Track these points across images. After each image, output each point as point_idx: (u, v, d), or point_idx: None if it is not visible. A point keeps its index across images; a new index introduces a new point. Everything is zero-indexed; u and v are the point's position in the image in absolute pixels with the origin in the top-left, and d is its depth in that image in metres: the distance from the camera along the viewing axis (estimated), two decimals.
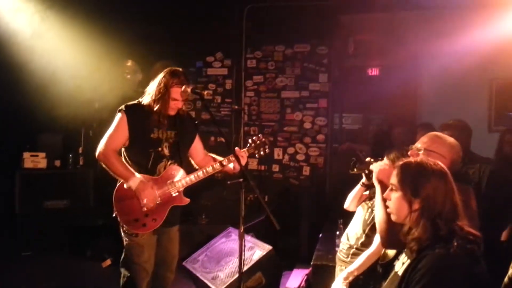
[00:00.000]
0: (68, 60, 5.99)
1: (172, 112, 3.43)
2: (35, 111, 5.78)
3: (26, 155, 5.76)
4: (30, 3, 5.63)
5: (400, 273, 2.08)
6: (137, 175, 3.29)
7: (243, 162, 3.40)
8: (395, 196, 2.13)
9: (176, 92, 3.36)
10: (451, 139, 2.73)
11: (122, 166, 3.30)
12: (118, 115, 3.38)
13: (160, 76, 3.42)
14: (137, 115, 3.37)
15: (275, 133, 6.30)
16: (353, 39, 6.13)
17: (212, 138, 6.41)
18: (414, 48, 5.63)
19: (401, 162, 2.16)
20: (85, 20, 5.80)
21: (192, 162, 3.69)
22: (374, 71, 6.15)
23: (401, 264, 2.12)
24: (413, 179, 2.07)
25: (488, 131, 5.43)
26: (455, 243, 1.94)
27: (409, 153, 2.69)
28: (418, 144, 2.72)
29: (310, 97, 6.22)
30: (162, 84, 3.38)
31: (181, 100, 3.40)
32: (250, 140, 3.65)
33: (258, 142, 3.62)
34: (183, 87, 3.36)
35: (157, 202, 3.33)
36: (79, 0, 5.73)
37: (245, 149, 3.58)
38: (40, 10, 5.71)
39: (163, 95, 3.35)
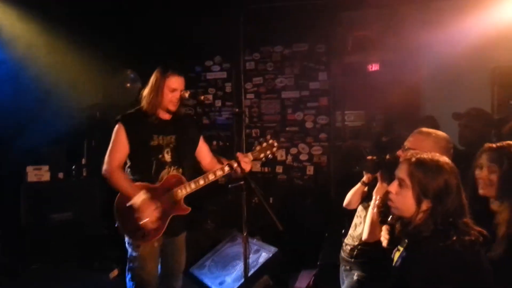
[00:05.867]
0: (67, 71, 5.99)
1: (172, 107, 3.32)
2: (36, 124, 5.79)
3: (29, 168, 5.75)
4: (29, 17, 5.63)
5: (397, 264, 2.08)
6: (141, 192, 3.21)
7: (247, 166, 3.28)
8: (402, 193, 2.07)
9: (173, 81, 3.27)
10: (436, 133, 2.71)
11: (126, 183, 3.26)
12: (116, 127, 3.31)
13: (153, 74, 3.34)
14: (135, 124, 3.30)
15: (277, 134, 6.27)
16: (351, 36, 6.08)
17: (214, 142, 6.39)
18: (413, 41, 5.56)
19: (413, 158, 2.09)
20: (82, 31, 5.80)
21: (201, 165, 3.60)
22: (374, 67, 6.09)
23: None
24: (424, 177, 2.02)
25: None
26: (454, 237, 1.92)
27: (398, 153, 2.67)
28: (405, 143, 2.71)
29: (311, 96, 6.20)
30: (155, 79, 3.29)
31: (179, 90, 3.29)
32: (256, 143, 3.50)
33: (265, 144, 3.45)
34: (182, 77, 3.30)
35: (157, 218, 3.24)
36: (76, 12, 5.71)
37: (250, 153, 3.42)
38: (38, 23, 5.71)
39: (158, 89, 3.26)
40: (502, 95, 5.32)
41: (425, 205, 2.01)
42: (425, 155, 2.09)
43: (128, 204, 3.19)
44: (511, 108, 4.93)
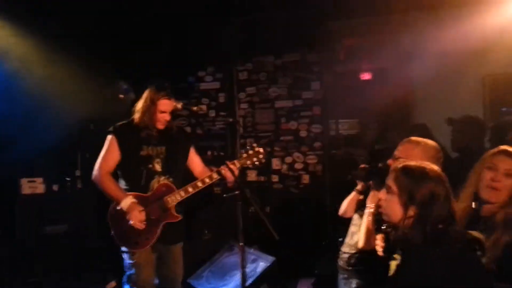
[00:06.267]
0: (60, 83, 5.98)
1: (160, 126, 3.49)
2: (30, 136, 5.77)
3: (23, 181, 5.72)
4: (22, 31, 5.63)
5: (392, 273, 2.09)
6: (129, 197, 3.36)
7: (235, 173, 3.41)
8: (390, 199, 2.11)
9: (163, 104, 3.44)
10: (425, 141, 2.74)
11: (115, 188, 3.41)
12: (108, 137, 3.47)
13: (146, 91, 3.49)
14: (126, 135, 3.47)
15: (271, 143, 6.28)
16: (343, 44, 6.13)
17: (209, 153, 6.39)
18: (404, 49, 5.62)
19: (400, 165, 2.14)
20: (73, 42, 5.80)
21: (194, 175, 3.71)
22: (366, 75, 6.13)
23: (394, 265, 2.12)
24: (410, 184, 2.05)
25: None
26: (445, 245, 1.94)
27: (388, 162, 2.69)
28: (395, 153, 2.74)
29: (304, 105, 6.21)
30: (148, 99, 3.46)
31: (168, 112, 3.47)
32: (243, 151, 3.61)
33: (251, 152, 3.56)
34: (172, 100, 3.46)
35: (144, 223, 3.35)
36: (66, 23, 5.72)
37: (236, 161, 3.52)
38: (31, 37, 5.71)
39: (149, 108, 3.43)
40: (493, 102, 5.37)
41: (411, 211, 2.03)
42: (412, 163, 2.14)
43: (117, 208, 3.36)
44: (503, 115, 5.00)
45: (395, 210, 2.08)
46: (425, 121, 5.18)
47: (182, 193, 3.44)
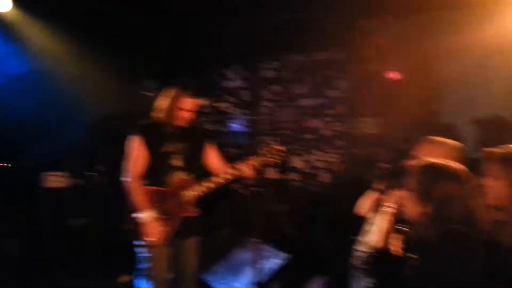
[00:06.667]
0: (86, 80, 6.09)
1: (182, 124, 3.49)
2: (57, 131, 5.88)
3: (48, 175, 5.83)
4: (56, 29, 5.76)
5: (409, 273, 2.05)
6: (150, 212, 3.36)
7: (254, 172, 3.44)
8: (408, 196, 2.11)
9: (185, 102, 3.44)
10: (447, 142, 2.69)
11: (142, 198, 3.39)
12: (133, 138, 3.45)
13: (170, 89, 3.50)
14: (149, 133, 3.46)
15: (293, 141, 6.24)
16: (371, 44, 6.05)
17: (230, 150, 6.38)
18: (433, 48, 5.52)
19: (422, 162, 2.13)
20: (100, 41, 5.88)
21: (213, 172, 3.68)
22: (393, 75, 6.05)
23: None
24: (427, 182, 2.03)
25: None
26: (462, 246, 1.92)
27: (408, 162, 2.64)
28: (416, 153, 2.69)
29: (328, 103, 6.16)
30: (171, 96, 3.47)
31: (190, 110, 3.47)
32: (262, 148, 3.59)
33: (271, 149, 3.55)
34: (195, 99, 3.46)
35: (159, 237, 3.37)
36: (92, 23, 5.82)
37: (255, 158, 3.53)
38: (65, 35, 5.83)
39: (172, 106, 3.43)
40: None
41: (427, 209, 2.01)
42: (434, 161, 2.11)
43: (137, 216, 3.37)
44: None
45: (412, 207, 2.08)
46: (451, 122, 5.07)
47: (201, 188, 3.45)
